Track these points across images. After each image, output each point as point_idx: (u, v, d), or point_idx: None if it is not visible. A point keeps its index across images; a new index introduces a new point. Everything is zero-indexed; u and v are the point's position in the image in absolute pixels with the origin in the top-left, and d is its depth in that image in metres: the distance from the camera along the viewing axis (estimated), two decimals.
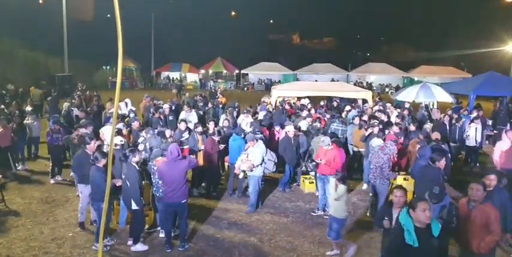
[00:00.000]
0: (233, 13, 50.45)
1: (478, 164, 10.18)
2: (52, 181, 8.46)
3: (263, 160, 6.99)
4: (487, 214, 4.03)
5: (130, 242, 5.69)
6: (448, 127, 10.07)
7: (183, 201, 5.54)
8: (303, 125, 9.43)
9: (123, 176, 5.59)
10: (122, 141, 7.00)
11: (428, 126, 9.94)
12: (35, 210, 7.04)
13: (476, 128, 9.82)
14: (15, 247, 5.69)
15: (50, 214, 6.87)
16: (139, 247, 5.61)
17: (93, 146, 6.23)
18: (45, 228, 6.32)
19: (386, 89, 31.60)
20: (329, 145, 6.75)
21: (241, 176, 7.39)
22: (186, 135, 8.11)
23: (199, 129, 7.97)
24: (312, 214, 7.03)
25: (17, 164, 9.33)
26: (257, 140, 7.09)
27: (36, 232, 6.16)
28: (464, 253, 4.33)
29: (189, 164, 5.59)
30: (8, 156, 8.89)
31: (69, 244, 5.80)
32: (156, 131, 7.86)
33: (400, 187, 4.75)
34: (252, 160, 6.87)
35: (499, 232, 4.06)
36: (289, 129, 8.04)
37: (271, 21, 57.60)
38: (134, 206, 5.50)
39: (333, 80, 28.29)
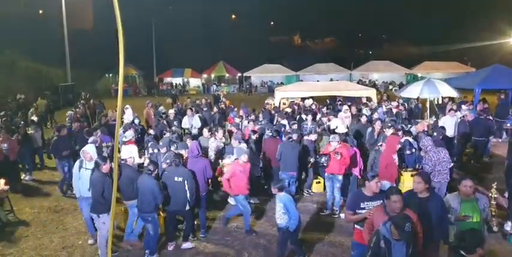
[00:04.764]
0: (233, 16, 50.61)
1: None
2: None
3: None
4: (414, 219, 3.76)
5: (171, 247, 5.81)
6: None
7: (203, 194, 6.18)
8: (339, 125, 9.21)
9: (177, 179, 5.61)
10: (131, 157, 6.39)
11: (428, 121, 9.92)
12: (44, 219, 7.07)
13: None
14: (26, 256, 5.71)
15: (59, 223, 6.89)
16: (189, 244, 5.89)
17: (108, 166, 5.47)
18: (55, 237, 6.33)
19: (390, 87, 31.43)
20: (338, 142, 6.72)
21: None
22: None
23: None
24: (321, 214, 6.99)
25: (24, 175, 9.39)
26: (240, 142, 7.01)
27: (46, 241, 6.18)
28: None
29: (209, 163, 6.35)
30: (17, 168, 8.83)
31: (80, 252, 5.81)
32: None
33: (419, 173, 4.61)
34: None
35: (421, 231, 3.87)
36: (340, 130, 8.10)
37: (272, 23, 57.67)
38: (187, 207, 5.68)
39: (331, 80, 28.07)
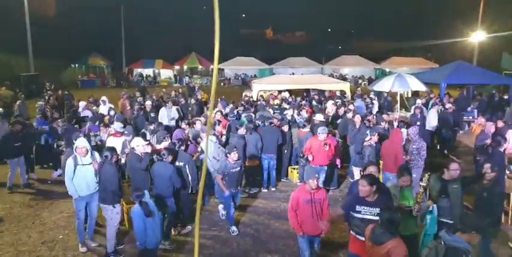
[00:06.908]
0: (204, 7, 49.68)
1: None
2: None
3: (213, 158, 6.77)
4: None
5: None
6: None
7: None
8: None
9: (178, 163, 5.77)
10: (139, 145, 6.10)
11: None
12: (18, 214, 6.75)
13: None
14: (3, 252, 5.45)
15: (36, 218, 6.61)
16: (189, 228, 6.07)
17: (116, 157, 5.44)
18: (32, 232, 6.08)
19: (360, 81, 32.37)
20: (325, 133, 6.85)
21: None
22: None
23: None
24: None
25: None
26: (214, 134, 7.19)
27: (24, 237, 5.92)
28: None
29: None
30: None
31: (61, 246, 5.63)
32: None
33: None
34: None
35: None
36: (320, 118, 8.39)
37: (243, 15, 57.25)
38: (189, 190, 5.97)
39: (293, 74, 28.22)
